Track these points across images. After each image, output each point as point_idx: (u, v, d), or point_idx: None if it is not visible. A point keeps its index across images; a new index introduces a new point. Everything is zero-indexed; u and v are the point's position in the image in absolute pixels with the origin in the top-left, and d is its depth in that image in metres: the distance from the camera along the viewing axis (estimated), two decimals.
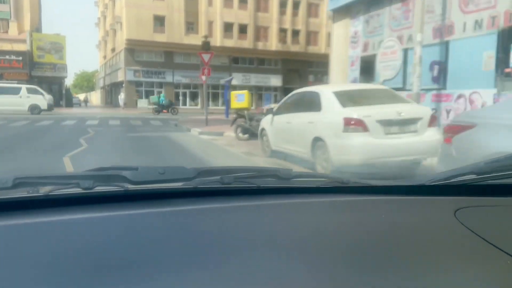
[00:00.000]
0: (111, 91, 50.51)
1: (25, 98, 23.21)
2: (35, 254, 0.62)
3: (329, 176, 1.15)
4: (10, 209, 0.77)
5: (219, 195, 0.94)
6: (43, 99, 23.64)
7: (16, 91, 23.33)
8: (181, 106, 40.82)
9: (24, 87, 23.90)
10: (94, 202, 0.83)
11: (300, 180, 1.07)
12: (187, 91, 41.19)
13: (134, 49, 38.30)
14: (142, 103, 38.56)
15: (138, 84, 39.16)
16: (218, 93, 42.38)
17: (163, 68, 39.21)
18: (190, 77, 40.25)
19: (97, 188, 0.83)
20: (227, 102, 23.50)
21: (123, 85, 38.90)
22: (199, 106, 41.32)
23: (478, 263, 0.71)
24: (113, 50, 47.07)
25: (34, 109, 23.11)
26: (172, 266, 0.62)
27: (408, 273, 0.66)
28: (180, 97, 40.95)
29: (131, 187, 0.86)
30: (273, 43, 41.89)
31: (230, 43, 40.09)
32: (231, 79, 29.79)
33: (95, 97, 69.52)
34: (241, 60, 42.44)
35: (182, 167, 0.95)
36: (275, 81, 43.50)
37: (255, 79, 42.60)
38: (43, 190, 0.81)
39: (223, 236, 0.73)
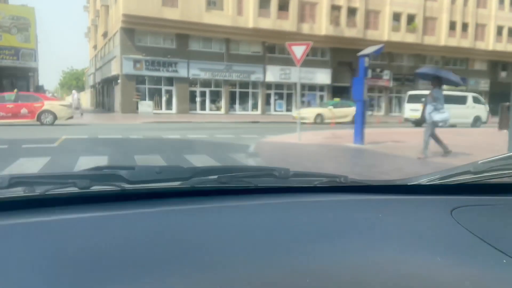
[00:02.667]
0: (103, 90, 39.21)
1: None
2: (32, 254, 0.62)
3: (327, 175, 1.10)
4: (6, 208, 0.77)
5: (216, 195, 0.94)
6: None
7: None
8: (198, 111, 29.56)
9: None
10: (91, 202, 0.83)
11: (297, 179, 1.07)
12: (207, 90, 30.04)
13: (133, 29, 27.15)
14: (145, 106, 27.37)
15: (140, 79, 27.99)
16: (248, 93, 31.20)
17: (175, 57, 28.07)
18: (211, 71, 29.10)
19: (94, 187, 0.83)
20: None
21: (119, 81, 27.69)
22: (222, 111, 30.15)
23: (474, 262, 0.71)
24: (105, 35, 35.76)
25: None
26: (169, 266, 0.62)
27: (405, 272, 0.67)
28: (197, 99, 29.79)
29: (128, 186, 0.86)
30: (322, 25, 30.89)
31: (266, 23, 29.06)
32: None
33: (85, 98, 58.06)
34: (278, 49, 31.36)
35: (179, 166, 0.96)
36: (322, 77, 32.49)
37: (296, 74, 31.52)
38: (40, 190, 0.81)
39: (220, 236, 0.73)
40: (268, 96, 31.42)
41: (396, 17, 33.36)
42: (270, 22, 29.19)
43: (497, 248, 0.74)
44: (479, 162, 1.03)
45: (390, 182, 1.13)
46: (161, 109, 28.56)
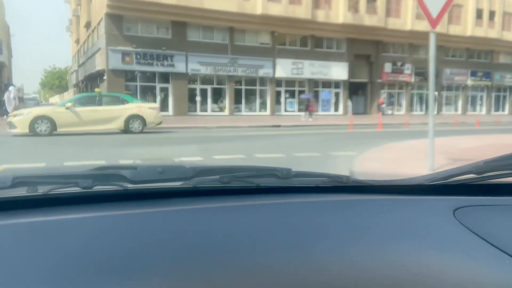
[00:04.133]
0: (86, 89, 34.67)
1: None
2: (34, 253, 0.63)
3: (328, 175, 1.08)
4: (9, 208, 0.77)
5: (218, 194, 0.95)
6: None
7: None
8: (198, 112, 25.40)
9: None
10: (93, 201, 0.83)
11: (299, 179, 1.06)
12: (209, 87, 25.83)
13: (121, 16, 22.82)
14: None
15: (130, 75, 23.67)
16: (256, 90, 27.07)
17: (171, 49, 23.81)
18: (213, 65, 24.93)
19: (96, 187, 0.83)
20: None
21: (104, 77, 23.33)
22: (226, 112, 26.00)
23: (477, 263, 0.71)
24: (87, 25, 31.25)
25: None
26: (172, 265, 0.63)
27: (408, 273, 0.67)
28: (198, 98, 25.56)
29: (130, 186, 0.86)
30: (339, 12, 26.91)
31: (276, 9, 24.96)
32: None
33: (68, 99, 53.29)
34: (290, 40, 27.29)
35: (181, 166, 0.96)
36: (339, 71, 28.53)
37: (310, 68, 27.58)
38: (42, 189, 0.81)
39: (222, 236, 0.73)
40: (278, 94, 27.33)
41: None
42: (281, 8, 25.10)
43: (500, 249, 0.73)
44: (482, 162, 1.01)
45: (393, 182, 1.12)
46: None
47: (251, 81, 26.77)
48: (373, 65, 30.05)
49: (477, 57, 33.96)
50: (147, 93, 24.08)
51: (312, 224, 0.81)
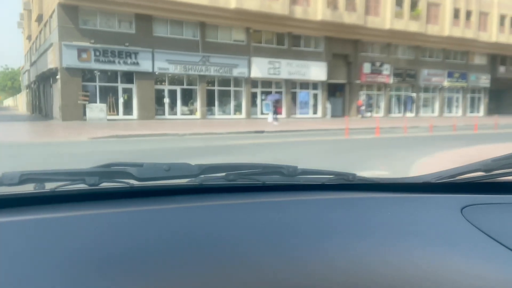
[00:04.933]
0: (39, 90, 31.22)
1: None
2: (42, 249, 0.63)
3: (335, 173, 1.07)
4: (17, 205, 0.78)
5: (224, 192, 0.95)
6: None
7: None
8: (167, 116, 23.03)
9: None
10: (100, 199, 0.84)
11: (305, 177, 1.05)
12: (178, 88, 23.41)
13: (76, 6, 20.03)
14: (96, 111, 20.36)
15: (88, 75, 20.89)
16: (230, 91, 24.92)
17: (135, 45, 21.24)
18: (182, 64, 22.58)
19: (102, 184, 0.84)
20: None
21: (58, 76, 20.42)
22: (197, 115, 23.74)
23: (484, 261, 0.71)
24: (39, 19, 27.98)
25: None
26: (178, 262, 0.63)
27: (415, 271, 0.67)
28: (166, 100, 23.08)
29: (136, 183, 0.86)
30: (318, 8, 25.26)
31: (251, 3, 22.94)
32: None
33: (21, 101, 49.28)
34: (266, 37, 25.37)
35: (187, 164, 0.94)
36: (317, 72, 26.89)
37: (287, 68, 25.76)
38: (49, 186, 0.82)
39: (228, 233, 0.73)
40: (254, 96, 25.30)
41: (399, 1, 28.46)
42: (256, 2, 23.08)
43: (508, 247, 0.73)
44: (490, 160, 1.00)
45: (399, 180, 1.11)
46: (117, 114, 21.61)
47: (225, 81, 24.59)
48: (351, 65, 28.63)
49: (453, 58, 33.39)
50: (108, 95, 21.36)
51: (318, 222, 0.81)
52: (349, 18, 26.24)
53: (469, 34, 31.77)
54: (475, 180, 1.02)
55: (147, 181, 0.87)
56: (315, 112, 27.82)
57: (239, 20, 23.51)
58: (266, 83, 25.84)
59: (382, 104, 30.83)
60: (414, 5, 29.17)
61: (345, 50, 28.11)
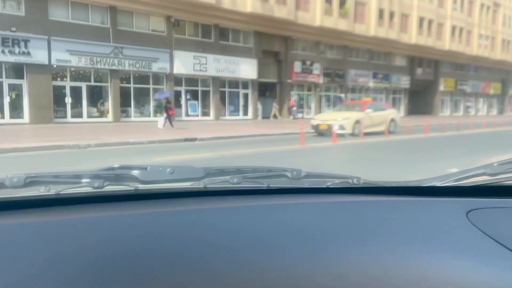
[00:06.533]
0: None
1: None
2: (46, 252, 0.63)
3: (339, 176, 1.09)
4: (21, 207, 0.78)
5: (229, 195, 0.94)
6: None
7: None
8: (69, 119, 18.88)
9: None
10: (105, 201, 0.84)
11: (309, 180, 1.06)
12: (84, 85, 19.32)
13: None
14: None
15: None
16: (149, 89, 21.44)
17: (25, 30, 16.80)
18: (89, 56, 18.65)
19: (107, 187, 0.84)
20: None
21: None
22: (109, 117, 19.94)
23: (490, 266, 0.70)
24: None
25: None
26: (182, 265, 0.63)
27: (419, 275, 0.67)
28: (67, 99, 18.84)
29: (141, 186, 0.86)
30: (247, 0, 22.90)
31: None
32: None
33: None
34: (190, 29, 22.35)
35: (191, 167, 0.95)
36: (247, 70, 24.59)
37: (215, 64, 23.02)
38: (54, 189, 0.81)
39: (233, 236, 0.73)
40: (177, 95, 22.07)
41: None
42: None
43: None
44: (495, 163, 1.00)
45: (404, 183, 1.11)
46: (2, 117, 16.98)
47: (143, 77, 21.04)
48: (282, 64, 26.83)
49: (378, 59, 33.49)
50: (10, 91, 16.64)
51: (322, 225, 0.80)
52: (279, 12, 24.33)
53: (392, 35, 32.03)
54: (480, 184, 1.01)
55: (152, 184, 0.88)
56: (245, 113, 25.44)
57: (157, 7, 20.20)
58: (192, 80, 22.81)
59: (313, 105, 29.57)
60: (343, 2, 28.35)
61: (275, 47, 26.21)
